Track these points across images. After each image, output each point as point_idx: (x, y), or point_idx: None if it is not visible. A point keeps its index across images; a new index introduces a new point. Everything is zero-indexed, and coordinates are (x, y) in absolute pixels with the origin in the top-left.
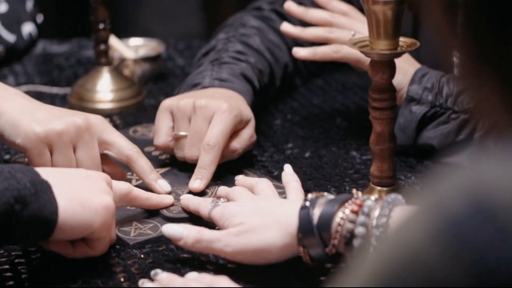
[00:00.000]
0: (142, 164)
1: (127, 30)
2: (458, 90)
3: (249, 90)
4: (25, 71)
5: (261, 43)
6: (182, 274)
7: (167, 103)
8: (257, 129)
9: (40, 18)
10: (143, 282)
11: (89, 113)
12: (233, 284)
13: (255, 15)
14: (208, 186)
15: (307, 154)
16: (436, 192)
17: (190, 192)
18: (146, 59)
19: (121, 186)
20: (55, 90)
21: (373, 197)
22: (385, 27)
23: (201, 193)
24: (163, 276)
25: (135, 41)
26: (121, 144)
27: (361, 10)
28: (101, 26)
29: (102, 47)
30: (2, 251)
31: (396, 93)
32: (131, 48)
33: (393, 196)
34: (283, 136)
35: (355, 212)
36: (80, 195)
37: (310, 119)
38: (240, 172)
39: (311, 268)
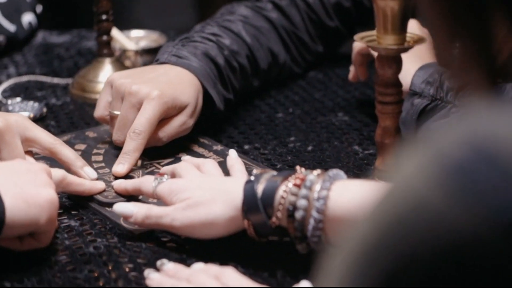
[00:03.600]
0: (67, 153)
1: (121, 24)
2: (458, 85)
3: (208, 69)
4: (25, 61)
5: (243, 28)
6: (188, 265)
7: (111, 77)
8: (259, 121)
9: (39, 8)
10: (148, 272)
11: (8, 113)
12: (239, 274)
13: (247, 5)
14: (132, 170)
15: (309, 148)
16: (436, 143)
17: (117, 178)
18: (147, 51)
19: (57, 173)
20: (56, 80)
21: (315, 172)
22: (393, 22)
23: (127, 178)
24: (169, 267)
25: (136, 33)
26: (43, 139)
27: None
28: (103, 17)
29: (105, 38)
30: None
31: (402, 87)
32: (132, 40)
33: (335, 171)
34: (285, 129)
35: (298, 186)
36: (25, 192)
37: (311, 113)
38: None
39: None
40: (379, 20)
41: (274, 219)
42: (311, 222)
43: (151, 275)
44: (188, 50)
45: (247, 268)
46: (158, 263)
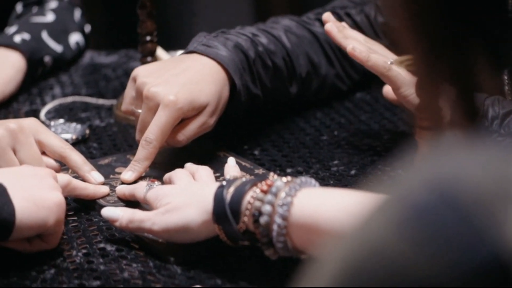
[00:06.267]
0: (75, 158)
1: (179, 42)
2: (504, 113)
3: (236, 59)
4: (71, 82)
5: (284, 34)
6: None
7: (135, 73)
8: (304, 144)
9: (88, 28)
10: None
11: (22, 118)
12: None
13: (293, 18)
14: (141, 178)
15: (352, 172)
16: (400, 185)
17: (123, 183)
18: None
19: (62, 177)
20: (101, 101)
21: (284, 179)
22: None
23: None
24: None
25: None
26: (53, 143)
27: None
28: (148, 38)
29: (149, 59)
30: None
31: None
32: None
33: (303, 178)
34: (329, 152)
35: (264, 192)
36: (33, 194)
37: (357, 135)
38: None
39: None
40: None
41: (241, 224)
42: (275, 228)
43: None
44: (218, 41)
45: None
46: None
